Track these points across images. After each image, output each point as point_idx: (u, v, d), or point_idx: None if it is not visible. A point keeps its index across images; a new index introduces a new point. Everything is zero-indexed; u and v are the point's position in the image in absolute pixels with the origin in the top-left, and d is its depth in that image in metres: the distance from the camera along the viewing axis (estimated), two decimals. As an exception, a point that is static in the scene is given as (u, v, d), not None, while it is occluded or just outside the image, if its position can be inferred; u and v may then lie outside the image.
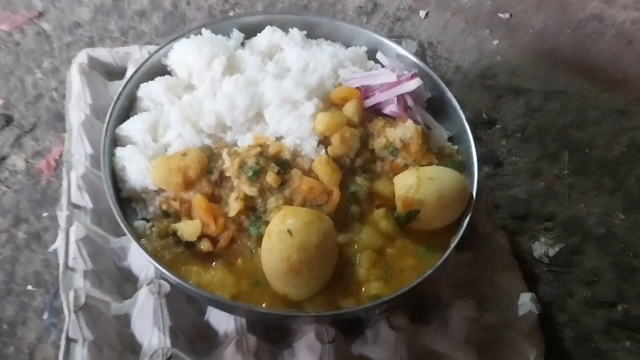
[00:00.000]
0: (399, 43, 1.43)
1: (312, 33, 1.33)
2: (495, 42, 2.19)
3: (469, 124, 1.18)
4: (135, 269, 1.09)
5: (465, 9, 2.23)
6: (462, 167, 1.17)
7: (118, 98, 1.08)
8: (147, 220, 1.05)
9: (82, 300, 0.93)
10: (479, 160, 1.15)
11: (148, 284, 0.97)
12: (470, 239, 1.13)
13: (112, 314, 1.00)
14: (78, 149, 1.15)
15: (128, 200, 1.09)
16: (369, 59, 1.32)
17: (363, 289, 0.99)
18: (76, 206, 1.11)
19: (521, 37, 2.22)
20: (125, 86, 1.11)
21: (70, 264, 1.03)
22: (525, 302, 1.08)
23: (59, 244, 1.05)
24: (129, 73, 1.24)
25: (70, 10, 2.03)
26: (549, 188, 1.75)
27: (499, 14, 2.28)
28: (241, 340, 0.93)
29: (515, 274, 1.12)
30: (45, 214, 1.55)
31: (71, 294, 0.96)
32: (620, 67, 2.08)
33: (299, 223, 0.94)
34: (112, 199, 0.98)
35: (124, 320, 1.01)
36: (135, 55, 1.33)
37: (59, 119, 1.75)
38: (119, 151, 1.07)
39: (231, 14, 2.07)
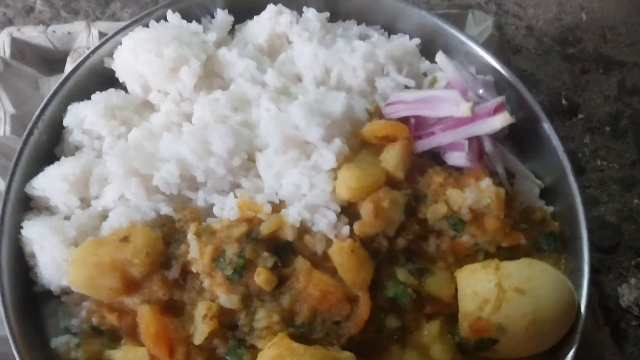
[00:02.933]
0: (463, 19, 1.10)
1: (338, 11, 0.97)
2: None
3: (573, 172, 0.82)
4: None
5: (543, -56, 1.88)
6: (560, 243, 0.88)
7: (30, 133, 0.73)
8: (73, 334, 0.74)
9: None
10: (590, 242, 0.83)
11: None
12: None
13: None
14: None
15: (46, 296, 0.76)
16: (422, 51, 0.98)
17: None
18: None
19: None
20: (41, 113, 0.75)
21: None
22: None
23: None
24: (66, 71, 0.87)
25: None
26: None
27: (588, -50, 1.87)
28: None
29: None
30: None
31: None
32: None
33: None
34: (5, 310, 0.68)
35: None
36: (81, 37, 0.98)
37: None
38: (27, 227, 0.74)
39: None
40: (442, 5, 1.74)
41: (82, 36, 1.00)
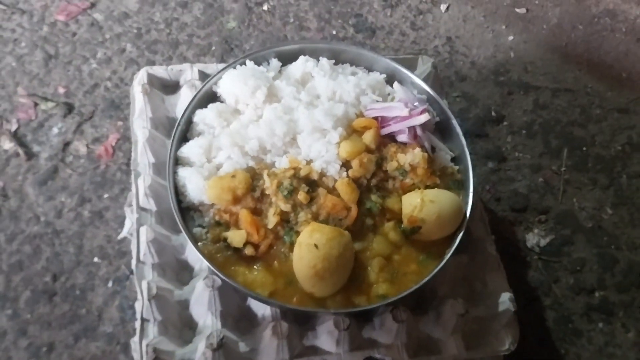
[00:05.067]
0: (415, 61, 1.63)
1: (339, 59, 1.50)
2: (511, 37, 2.34)
3: (469, 148, 1.37)
4: (191, 260, 1.34)
5: (485, 2, 2.36)
6: (461, 185, 1.33)
7: (179, 124, 1.31)
8: (203, 227, 1.27)
9: (154, 291, 1.21)
10: (474, 179, 1.33)
11: (204, 279, 1.23)
12: (467, 243, 1.33)
13: (174, 299, 1.26)
14: (143, 159, 1.38)
15: (187, 209, 1.31)
16: (388, 81, 1.51)
17: (373, 289, 1.18)
18: (143, 209, 1.34)
19: (536, 32, 2.35)
20: (184, 113, 1.33)
21: (142, 258, 1.28)
22: (505, 300, 1.30)
23: (132, 243, 1.31)
24: (183, 94, 1.46)
25: (119, 1, 2.23)
26: (547, 183, 1.96)
27: (516, 9, 2.41)
28: (276, 326, 1.20)
29: (501, 275, 1.35)
30: (106, 195, 1.83)
31: (144, 285, 1.23)
32: (626, 66, 2.23)
33: (324, 238, 1.12)
34: (176, 212, 1.23)
35: (184, 304, 1.27)
36: (186, 73, 1.52)
37: (114, 107, 1.99)
38: (181, 171, 1.29)
39: (265, 7, 2.26)
40: (407, 48, 2.16)
41: (188, 72, 1.52)
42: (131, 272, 1.47)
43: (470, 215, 1.30)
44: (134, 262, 1.30)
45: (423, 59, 1.62)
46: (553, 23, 2.36)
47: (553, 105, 2.07)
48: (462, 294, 1.34)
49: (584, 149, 1.97)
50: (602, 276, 1.73)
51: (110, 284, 1.68)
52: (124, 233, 1.46)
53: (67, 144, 1.83)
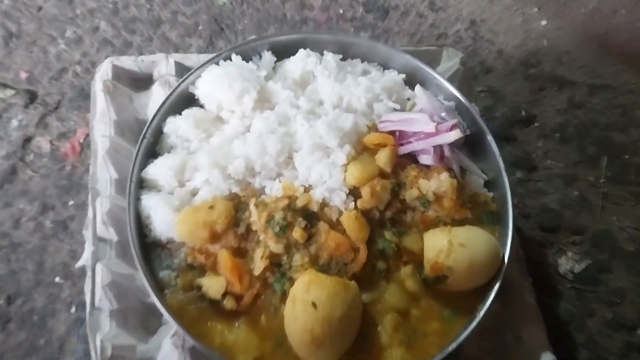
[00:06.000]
0: (439, 54, 1.36)
1: (348, 53, 1.26)
2: (544, 22, 2.06)
3: (506, 172, 1.12)
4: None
5: (514, -22, 2.04)
6: (496, 218, 1.14)
7: (144, 137, 1.05)
8: (172, 269, 1.05)
9: (109, 352, 0.97)
10: (514, 214, 1.11)
11: (172, 336, 0.99)
12: (499, 286, 1.10)
13: (137, 358, 1.03)
14: (103, 174, 1.14)
15: (153, 244, 1.08)
16: (407, 82, 1.27)
17: (385, 354, 1.00)
18: (101, 239, 1.11)
19: (572, 17, 2.08)
20: (151, 122, 1.07)
21: (97, 304, 1.06)
22: (547, 364, 1.08)
23: (86, 283, 1.06)
24: (155, 92, 1.20)
25: (94, -31, 1.94)
26: (583, 197, 1.69)
27: (551, -12, 2.11)
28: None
29: (539, 330, 1.12)
30: (71, 202, 1.58)
31: (98, 342, 0.99)
32: (677, 59, 1.93)
33: (324, 295, 0.94)
34: (135, 251, 0.99)
35: (149, 364, 1.04)
36: (161, 65, 1.27)
37: (83, 96, 1.73)
38: (145, 199, 1.05)
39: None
40: (425, 32, 1.86)
41: (162, 64, 1.28)
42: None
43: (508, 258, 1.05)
44: (87, 307, 1.06)
45: (449, 51, 1.37)
46: (592, 6, 2.08)
47: (590, 104, 1.79)
48: (491, 350, 1.13)
49: (626, 157, 1.70)
50: (644, 311, 1.46)
51: (73, 309, 1.46)
52: (82, 261, 1.21)
53: (28, 140, 1.63)
